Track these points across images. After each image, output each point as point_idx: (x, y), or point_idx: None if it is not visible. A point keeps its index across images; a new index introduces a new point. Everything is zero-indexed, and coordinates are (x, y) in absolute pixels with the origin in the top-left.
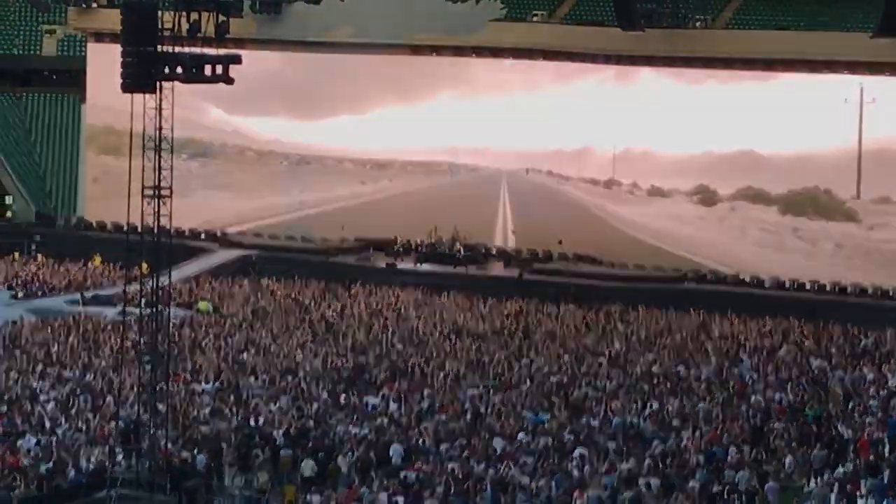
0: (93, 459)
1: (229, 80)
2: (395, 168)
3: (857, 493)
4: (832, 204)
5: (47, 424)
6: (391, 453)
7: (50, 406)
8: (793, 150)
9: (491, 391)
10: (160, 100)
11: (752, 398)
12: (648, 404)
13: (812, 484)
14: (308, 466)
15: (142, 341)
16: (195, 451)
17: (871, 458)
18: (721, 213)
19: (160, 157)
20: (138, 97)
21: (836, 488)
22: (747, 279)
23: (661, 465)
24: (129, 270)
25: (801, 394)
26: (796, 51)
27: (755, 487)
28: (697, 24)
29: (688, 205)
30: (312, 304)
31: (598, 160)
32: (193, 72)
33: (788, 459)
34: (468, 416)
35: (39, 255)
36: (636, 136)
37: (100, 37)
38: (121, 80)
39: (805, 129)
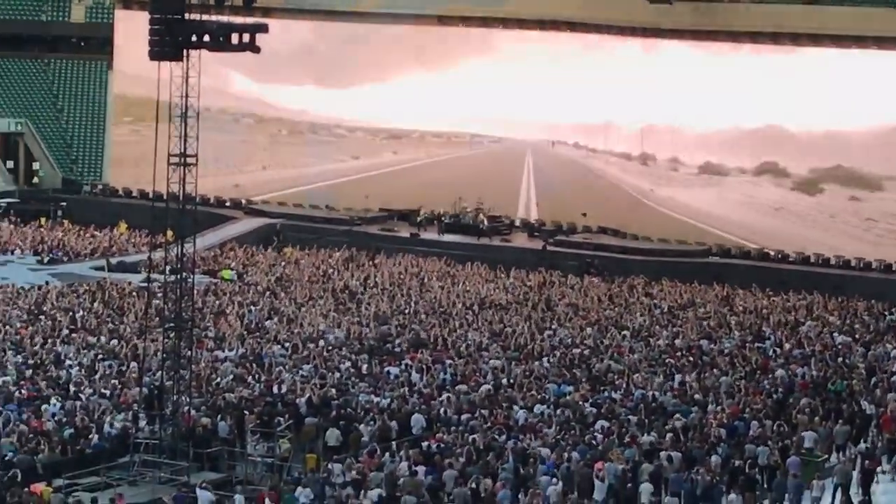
0: (116, 425)
1: (256, 49)
2: (420, 138)
3: (879, 469)
4: (858, 180)
5: (72, 389)
6: (412, 423)
7: (74, 371)
8: (820, 126)
9: (513, 363)
10: (187, 68)
11: (775, 373)
12: (671, 377)
13: (834, 459)
14: (333, 435)
15: (166, 308)
16: (218, 418)
17: (894, 433)
18: (747, 188)
19: (186, 125)
20: (165, 65)
21: (857, 463)
22: (772, 254)
23: (682, 439)
24: (153, 237)
25: (824, 369)
26: (824, 25)
27: (776, 462)
28: None
29: (713, 179)
30: (336, 272)
31: (622, 133)
32: (220, 40)
33: (810, 434)
34: (490, 387)
35: (65, 221)
36: (661, 110)
37: (127, 4)
38: (148, 48)
39: (832, 105)
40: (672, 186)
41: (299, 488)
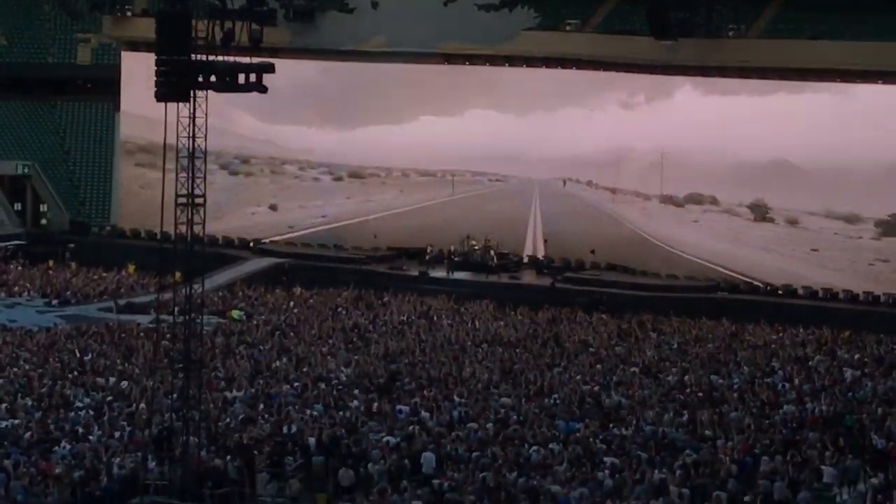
0: (126, 466)
1: (263, 89)
2: (427, 177)
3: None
4: (866, 216)
5: (80, 431)
6: (423, 461)
7: (83, 413)
8: (828, 162)
9: (523, 400)
10: (194, 108)
11: (785, 408)
12: (680, 413)
13: (845, 495)
14: (346, 476)
15: (175, 349)
16: (228, 459)
17: None
18: (755, 224)
19: (194, 165)
20: (172, 106)
21: (869, 498)
22: (780, 289)
23: (692, 474)
24: (162, 278)
25: (834, 403)
26: (831, 61)
27: (787, 497)
28: (731, 33)
29: (721, 216)
30: (344, 312)
31: (630, 170)
32: (227, 80)
33: (829, 470)
34: (500, 425)
35: (73, 263)
36: (669, 146)
37: (134, 45)
38: (155, 89)
39: (840, 141)
40: (679, 222)
41: None
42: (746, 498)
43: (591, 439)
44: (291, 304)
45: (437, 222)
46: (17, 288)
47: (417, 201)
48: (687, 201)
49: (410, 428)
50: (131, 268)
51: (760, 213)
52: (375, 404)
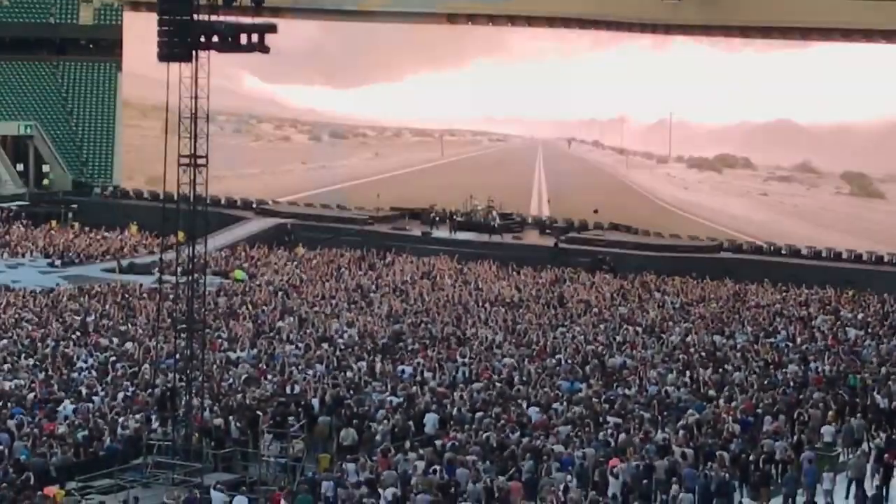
0: (129, 427)
1: (265, 49)
2: (430, 136)
3: (894, 463)
4: (869, 175)
5: (84, 392)
6: (426, 422)
7: (86, 374)
8: (830, 121)
9: (526, 360)
10: (196, 69)
11: (788, 367)
12: (684, 373)
13: (849, 454)
14: (349, 435)
15: (177, 309)
16: (230, 419)
17: None
18: (757, 183)
19: (196, 125)
20: (174, 66)
21: (872, 457)
22: (783, 249)
23: (695, 434)
24: (164, 239)
25: (837, 364)
26: (834, 19)
27: (790, 457)
28: None
29: (723, 175)
30: (348, 272)
31: (633, 130)
32: (229, 41)
33: (828, 428)
34: (503, 385)
35: (76, 224)
36: (672, 106)
37: (136, 5)
38: (157, 50)
39: (842, 100)
40: (683, 183)
41: (324, 482)
42: (749, 457)
43: (593, 399)
44: (294, 264)
45: (441, 182)
46: (19, 249)
47: (419, 161)
48: (692, 162)
49: (413, 388)
50: (133, 228)
51: (763, 172)
52: (378, 365)
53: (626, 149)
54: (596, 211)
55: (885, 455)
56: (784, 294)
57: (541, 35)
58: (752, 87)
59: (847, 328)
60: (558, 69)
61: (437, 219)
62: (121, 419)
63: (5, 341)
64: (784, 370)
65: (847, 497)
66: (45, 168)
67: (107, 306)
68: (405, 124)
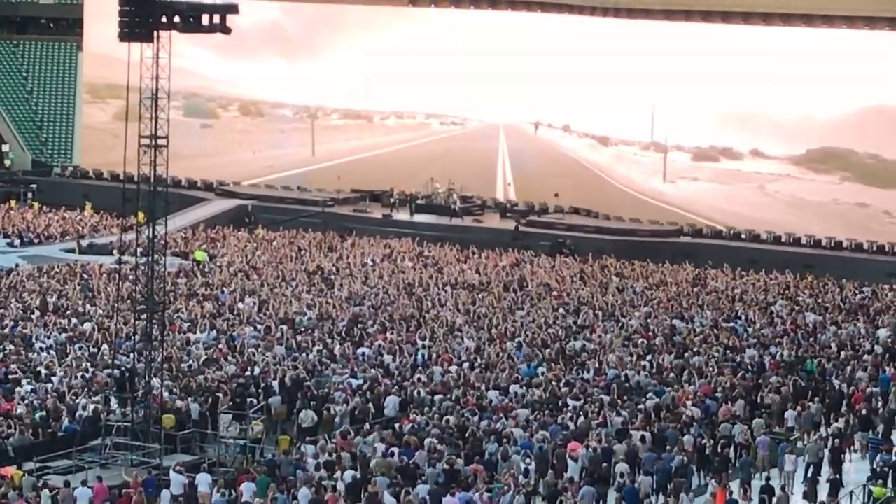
0: (88, 407)
1: (227, 30)
2: (392, 119)
3: (851, 447)
4: (832, 161)
5: (43, 372)
6: (387, 404)
7: (45, 354)
8: (792, 108)
9: (486, 343)
10: (157, 49)
11: (747, 352)
12: (643, 357)
13: (807, 439)
14: (308, 417)
15: (137, 290)
16: (190, 400)
17: (865, 412)
18: (720, 169)
19: (157, 106)
20: (136, 46)
21: (829, 442)
22: (743, 234)
23: (655, 418)
24: (124, 219)
25: (795, 348)
26: (813, 6)
27: (748, 440)
28: None
29: (688, 161)
30: (308, 254)
31: (596, 114)
32: (191, 21)
33: (790, 413)
34: (463, 368)
35: (35, 204)
36: (637, 90)
37: None
38: (118, 30)
39: (805, 87)
40: (644, 169)
41: (303, 489)
42: (707, 441)
43: (553, 382)
44: (255, 245)
45: (402, 165)
46: None
47: (381, 143)
48: (654, 147)
49: (373, 371)
50: (88, 207)
51: (729, 157)
52: (338, 347)
53: (588, 133)
54: (557, 195)
55: (837, 441)
56: (743, 279)
57: (502, 18)
58: (723, 75)
59: (806, 313)
60: (521, 53)
61: (397, 201)
62: (80, 400)
63: None
64: (743, 354)
65: (804, 481)
66: (5, 148)
67: (66, 286)
68: (368, 107)
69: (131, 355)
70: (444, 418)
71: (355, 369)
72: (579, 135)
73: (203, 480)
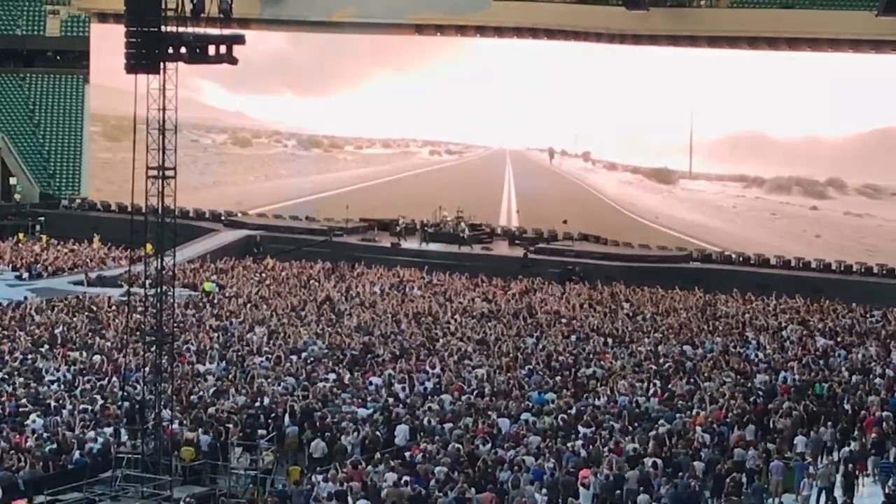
0: (98, 440)
1: (233, 61)
2: (399, 148)
3: (864, 472)
4: (837, 186)
5: (52, 405)
6: (397, 433)
7: (55, 386)
8: (798, 132)
9: (496, 371)
10: (164, 80)
11: (758, 377)
12: (654, 384)
13: (819, 463)
14: (318, 447)
15: (146, 322)
16: (200, 431)
17: (877, 436)
18: (726, 195)
19: (164, 137)
20: (142, 77)
21: (841, 467)
22: (752, 259)
23: (666, 445)
24: (133, 251)
25: (806, 373)
26: (800, 29)
27: (759, 466)
28: (702, 2)
29: (692, 187)
30: (317, 283)
31: (602, 141)
32: (197, 52)
33: (801, 438)
34: (473, 396)
35: (43, 237)
36: (641, 116)
37: (103, 17)
38: (124, 61)
39: (812, 110)
40: (653, 194)
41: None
42: (719, 467)
43: (564, 410)
44: (263, 276)
45: (410, 193)
46: None
47: (389, 171)
48: (658, 174)
49: (383, 400)
50: (96, 240)
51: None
52: (348, 376)
53: (594, 159)
54: (565, 221)
55: (850, 465)
56: (753, 304)
57: (508, 46)
58: (720, 98)
59: (816, 337)
60: (527, 80)
61: (404, 230)
62: (90, 432)
63: None
64: (754, 379)
65: None
66: (13, 181)
67: (75, 319)
68: (373, 136)
69: (141, 387)
70: (455, 446)
71: (367, 399)
72: (594, 163)
73: None
